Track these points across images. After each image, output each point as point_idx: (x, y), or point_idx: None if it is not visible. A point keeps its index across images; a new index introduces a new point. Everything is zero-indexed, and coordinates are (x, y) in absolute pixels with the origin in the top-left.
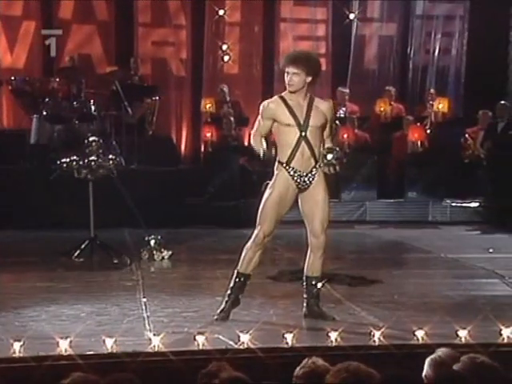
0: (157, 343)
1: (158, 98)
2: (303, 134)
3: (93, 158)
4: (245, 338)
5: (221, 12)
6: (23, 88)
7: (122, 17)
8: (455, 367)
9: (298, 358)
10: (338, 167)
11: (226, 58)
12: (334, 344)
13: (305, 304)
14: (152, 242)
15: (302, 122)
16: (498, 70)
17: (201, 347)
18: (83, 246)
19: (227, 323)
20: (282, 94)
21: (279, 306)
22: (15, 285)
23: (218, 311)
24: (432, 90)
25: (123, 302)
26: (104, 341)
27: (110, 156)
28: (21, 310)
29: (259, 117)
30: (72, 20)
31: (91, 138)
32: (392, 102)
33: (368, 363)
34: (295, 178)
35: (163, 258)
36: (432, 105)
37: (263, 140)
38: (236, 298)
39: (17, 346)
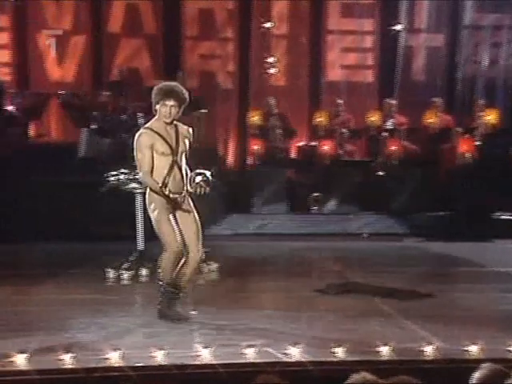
0: (206, 356)
1: (204, 110)
2: (175, 158)
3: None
4: (294, 351)
5: (268, 24)
6: (72, 101)
7: (170, 30)
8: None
9: (348, 372)
10: (207, 189)
11: (273, 70)
12: (384, 358)
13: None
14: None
15: (173, 149)
16: None
17: (250, 360)
18: (131, 259)
19: (276, 336)
20: (149, 125)
21: (327, 319)
22: (62, 297)
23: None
24: (481, 101)
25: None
26: (153, 353)
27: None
28: (69, 321)
29: (140, 152)
30: (121, 34)
31: None
32: (440, 114)
33: (419, 378)
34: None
35: (210, 270)
36: (481, 116)
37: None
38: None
39: (67, 357)
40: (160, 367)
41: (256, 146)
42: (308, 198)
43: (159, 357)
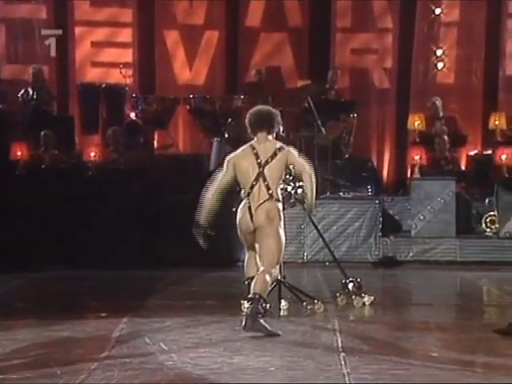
0: None
1: (355, 114)
2: None
3: (281, 186)
4: None
5: (437, 11)
6: (203, 107)
7: (318, 22)
8: None
9: None
10: None
11: (440, 64)
12: None
13: None
14: (350, 286)
15: None
16: None
17: None
18: (270, 289)
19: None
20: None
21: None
22: (191, 331)
23: None
24: None
25: (318, 355)
26: None
27: (301, 184)
28: (199, 360)
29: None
30: (260, 28)
31: None
32: None
33: None
34: None
35: (364, 303)
36: None
37: None
38: None
39: None
40: None
41: (417, 156)
42: (482, 218)
43: None
